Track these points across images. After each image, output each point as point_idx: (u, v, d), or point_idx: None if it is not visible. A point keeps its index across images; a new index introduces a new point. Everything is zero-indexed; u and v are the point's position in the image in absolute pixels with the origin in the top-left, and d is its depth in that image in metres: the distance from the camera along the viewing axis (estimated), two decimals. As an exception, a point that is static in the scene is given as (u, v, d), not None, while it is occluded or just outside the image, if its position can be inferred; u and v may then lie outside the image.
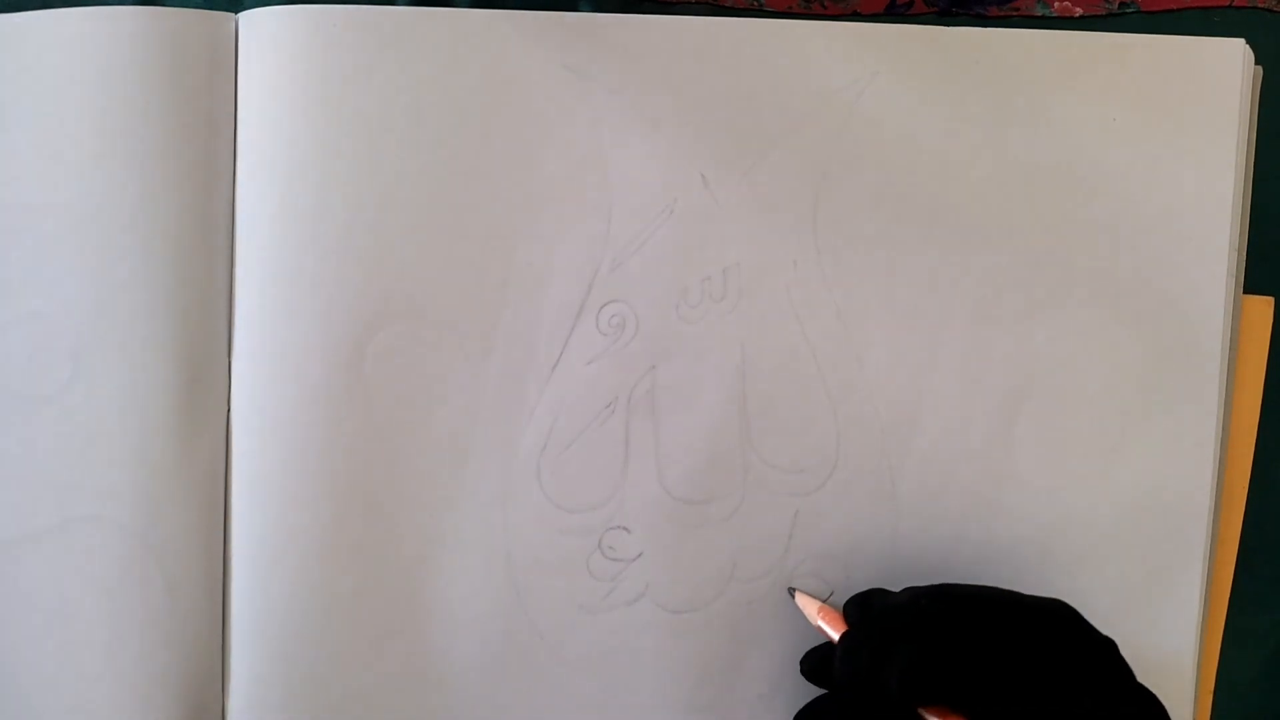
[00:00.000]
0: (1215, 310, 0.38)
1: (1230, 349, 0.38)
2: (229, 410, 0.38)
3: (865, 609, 0.35)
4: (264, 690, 0.37)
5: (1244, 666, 0.41)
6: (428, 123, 0.37)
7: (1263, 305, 0.39)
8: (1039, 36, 0.38)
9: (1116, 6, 0.40)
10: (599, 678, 0.38)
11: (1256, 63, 0.38)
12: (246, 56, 0.37)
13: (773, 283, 0.37)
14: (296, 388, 0.37)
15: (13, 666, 0.37)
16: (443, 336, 0.37)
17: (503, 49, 0.37)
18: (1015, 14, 0.40)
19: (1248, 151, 0.38)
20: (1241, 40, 0.37)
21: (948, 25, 0.38)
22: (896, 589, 0.35)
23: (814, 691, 0.35)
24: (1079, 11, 0.40)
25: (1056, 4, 0.40)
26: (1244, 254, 0.38)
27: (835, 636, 0.34)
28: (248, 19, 0.37)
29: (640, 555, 0.38)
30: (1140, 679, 0.32)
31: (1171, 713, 0.31)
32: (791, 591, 0.37)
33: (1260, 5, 0.40)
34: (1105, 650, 0.32)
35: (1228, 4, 0.40)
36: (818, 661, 0.35)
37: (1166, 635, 0.38)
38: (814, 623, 0.36)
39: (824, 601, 0.36)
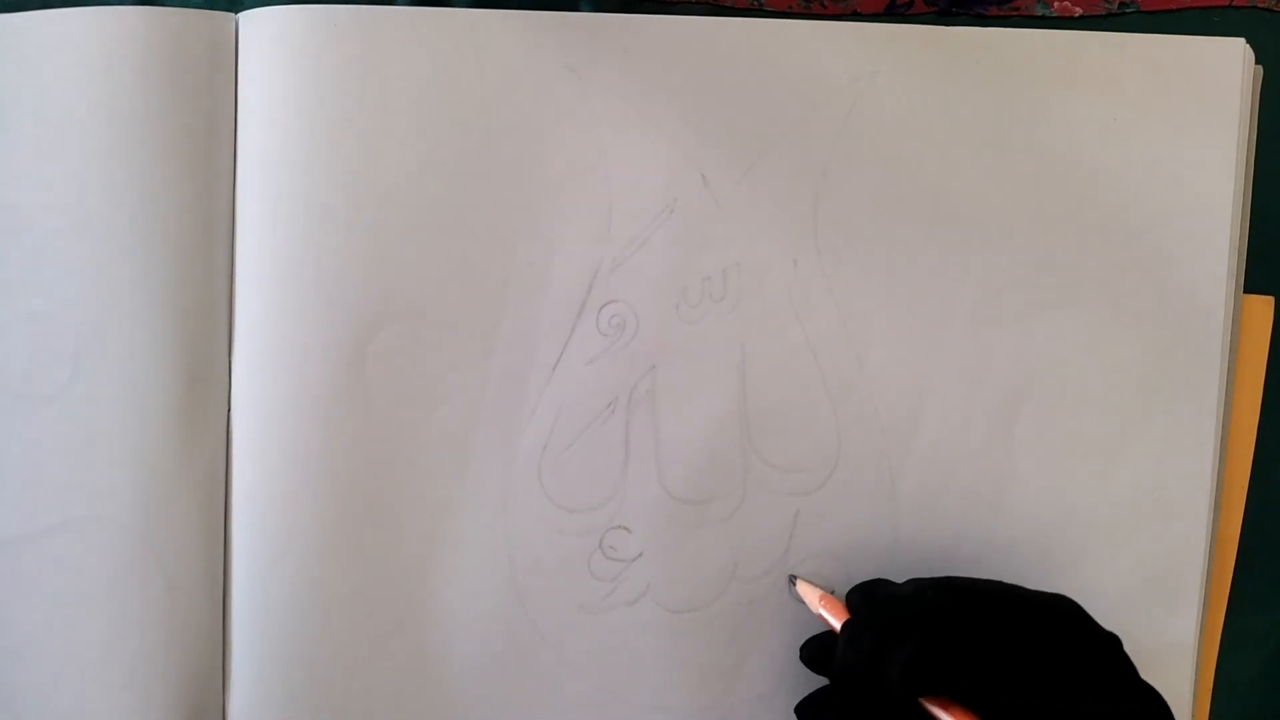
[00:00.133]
0: (1215, 310, 0.38)
1: (1230, 349, 0.38)
2: (229, 410, 0.38)
3: (869, 598, 0.35)
4: (264, 690, 0.37)
5: (1244, 666, 0.41)
6: (428, 122, 0.37)
7: (1263, 305, 0.39)
8: (1039, 36, 0.38)
9: (1116, 6, 0.40)
10: (599, 678, 0.38)
11: (1256, 63, 0.38)
12: (246, 56, 0.37)
13: (773, 282, 0.37)
14: (297, 388, 0.37)
15: (13, 666, 0.37)
16: (443, 336, 0.37)
17: (503, 49, 0.37)
18: (1015, 14, 0.40)
19: (1248, 151, 0.38)
20: (1241, 40, 0.38)
21: (948, 25, 0.38)
22: (898, 584, 0.35)
23: (814, 688, 0.35)
24: (1079, 11, 0.40)
25: (1056, 4, 0.40)
26: (1244, 254, 0.38)
27: (836, 625, 0.34)
28: (248, 19, 0.37)
29: (641, 555, 0.38)
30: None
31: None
32: (792, 580, 0.37)
33: (1260, 5, 0.40)
34: (1109, 646, 0.32)
35: (1228, 4, 0.40)
36: (818, 649, 0.35)
37: (1166, 635, 0.38)
38: (815, 611, 0.35)
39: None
